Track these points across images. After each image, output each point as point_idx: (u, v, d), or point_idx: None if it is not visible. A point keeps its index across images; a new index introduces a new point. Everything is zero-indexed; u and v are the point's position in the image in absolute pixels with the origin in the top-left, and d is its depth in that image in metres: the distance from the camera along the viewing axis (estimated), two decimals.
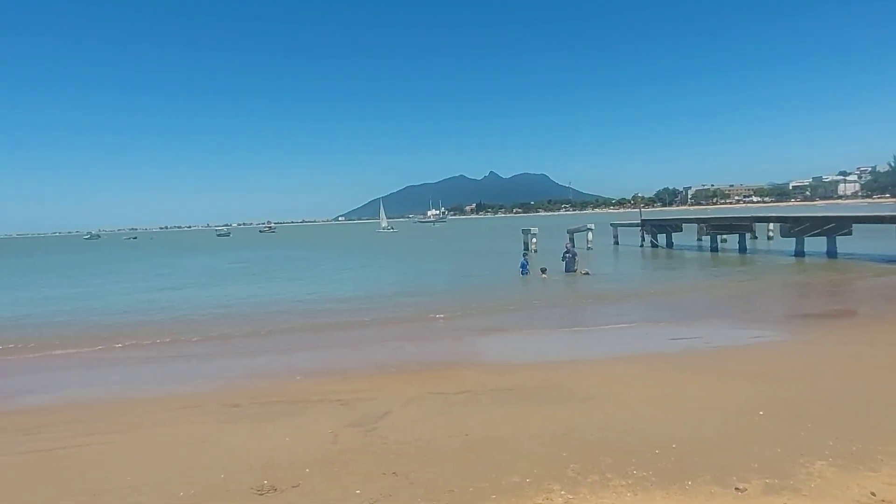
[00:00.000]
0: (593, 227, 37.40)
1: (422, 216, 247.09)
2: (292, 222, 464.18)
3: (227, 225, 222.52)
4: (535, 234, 35.90)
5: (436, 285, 23.19)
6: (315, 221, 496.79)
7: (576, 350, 11.27)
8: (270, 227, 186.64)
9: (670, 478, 4.62)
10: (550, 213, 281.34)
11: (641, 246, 36.79)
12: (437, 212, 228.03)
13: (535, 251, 33.65)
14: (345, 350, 11.85)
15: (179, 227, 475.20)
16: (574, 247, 25.66)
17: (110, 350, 12.76)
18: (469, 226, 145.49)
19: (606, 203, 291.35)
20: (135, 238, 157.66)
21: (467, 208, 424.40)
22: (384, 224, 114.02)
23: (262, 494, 4.73)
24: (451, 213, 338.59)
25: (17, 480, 5.34)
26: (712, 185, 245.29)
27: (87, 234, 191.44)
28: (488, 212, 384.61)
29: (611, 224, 42.80)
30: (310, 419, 6.88)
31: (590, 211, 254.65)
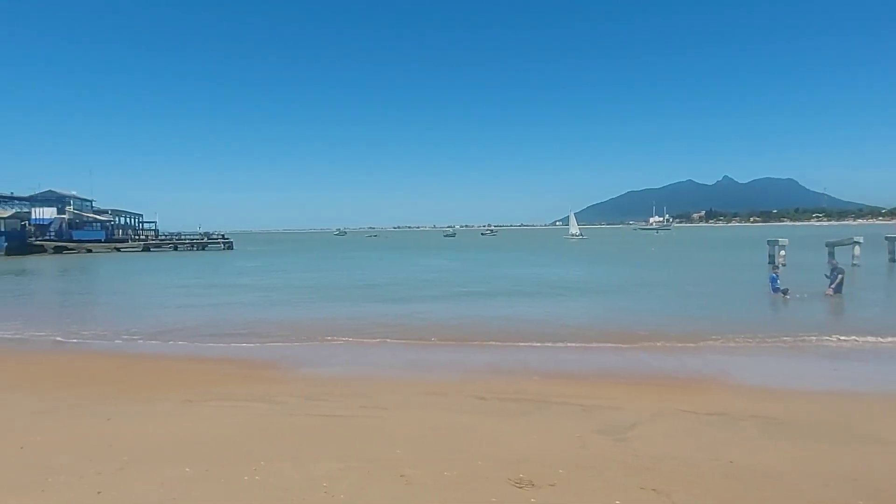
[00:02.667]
0: (861, 241, 31.79)
1: (643, 223, 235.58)
2: (511, 226, 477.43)
3: (451, 226, 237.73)
4: (783, 245, 31.83)
5: (666, 296, 21.87)
6: (533, 225, 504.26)
7: (853, 382, 9.67)
8: (491, 230, 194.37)
9: None
10: (798, 223, 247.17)
11: None
12: (661, 219, 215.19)
13: (784, 265, 29.80)
14: (575, 355, 11.75)
15: (409, 227, 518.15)
16: (838, 263, 22.10)
17: (365, 332, 14.35)
18: (697, 235, 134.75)
19: (874, 213, 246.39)
20: (375, 236, 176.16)
21: (695, 216, 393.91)
22: (573, 230, 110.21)
23: (521, 487, 4.88)
24: (677, 220, 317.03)
25: (310, 438, 6.26)
26: None
27: (336, 230, 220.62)
28: (720, 220, 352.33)
29: (886, 237, 35.96)
30: (554, 420, 6.94)
31: (850, 222, 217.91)
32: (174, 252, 68.27)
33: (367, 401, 7.85)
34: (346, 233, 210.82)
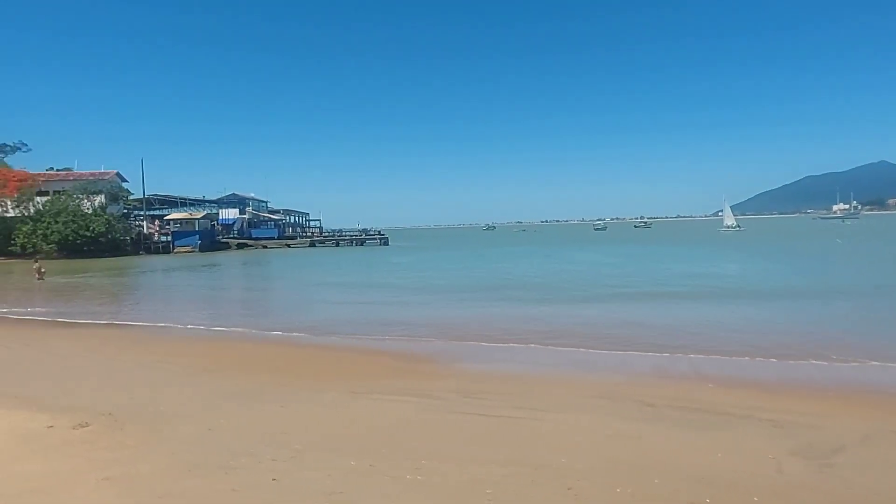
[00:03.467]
0: None
1: (824, 211, 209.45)
2: (667, 217, 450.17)
3: (601, 219, 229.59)
4: None
5: (862, 299, 19.02)
6: (691, 216, 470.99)
7: None
8: (645, 223, 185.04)
9: None
10: None
11: None
12: (847, 206, 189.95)
13: None
14: (756, 361, 10.47)
15: (557, 221, 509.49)
16: None
17: (518, 331, 14.08)
18: (894, 224, 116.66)
19: None
20: (523, 230, 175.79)
21: (890, 202, 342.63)
22: (728, 221, 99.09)
23: None
24: (867, 207, 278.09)
25: (470, 438, 6.10)
26: None
27: (485, 226, 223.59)
28: None
29: None
30: (740, 436, 6.13)
31: None
32: (336, 247, 73.51)
33: (524, 401, 7.56)
34: (494, 228, 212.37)
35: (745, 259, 39.09)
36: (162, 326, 16.06)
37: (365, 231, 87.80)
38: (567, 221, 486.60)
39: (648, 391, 8.10)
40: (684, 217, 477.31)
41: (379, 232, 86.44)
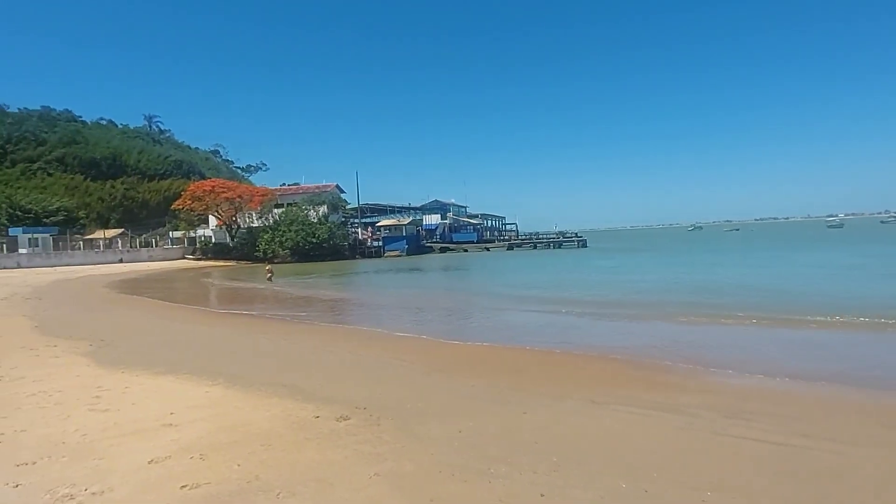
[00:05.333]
0: None
1: None
2: None
3: (834, 216, 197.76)
4: None
5: None
6: None
7: None
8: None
9: None
10: None
11: None
12: None
13: None
14: None
15: (775, 219, 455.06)
16: None
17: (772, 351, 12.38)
18: None
19: None
20: (737, 230, 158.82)
21: None
22: None
23: None
24: None
25: (755, 472, 5.21)
26: None
27: (690, 225, 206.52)
28: None
29: None
30: None
31: None
32: (533, 250, 73.62)
33: (807, 427, 6.37)
34: (701, 227, 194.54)
35: None
36: (382, 324, 17.12)
37: (561, 233, 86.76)
38: (788, 219, 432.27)
39: None
40: None
41: (576, 234, 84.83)
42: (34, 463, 5.47)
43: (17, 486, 4.95)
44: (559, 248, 75.16)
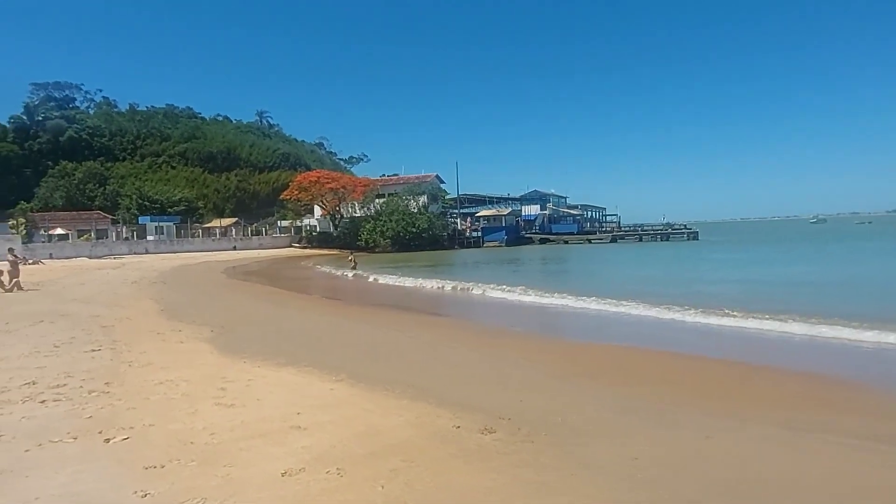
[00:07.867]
0: None
1: None
2: None
3: None
4: None
5: None
6: None
7: None
8: None
9: None
10: None
11: None
12: None
13: None
14: None
15: None
16: None
17: None
18: None
19: None
20: (869, 222, 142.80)
21: None
22: None
23: None
24: None
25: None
26: None
27: (813, 217, 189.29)
28: None
29: None
30: None
31: None
32: (639, 242, 69.96)
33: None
34: (825, 220, 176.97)
35: None
36: (495, 319, 16.19)
37: (670, 225, 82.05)
38: None
39: None
40: None
41: (685, 225, 79.88)
42: (163, 466, 5.00)
43: (145, 495, 4.44)
44: (666, 240, 70.90)
